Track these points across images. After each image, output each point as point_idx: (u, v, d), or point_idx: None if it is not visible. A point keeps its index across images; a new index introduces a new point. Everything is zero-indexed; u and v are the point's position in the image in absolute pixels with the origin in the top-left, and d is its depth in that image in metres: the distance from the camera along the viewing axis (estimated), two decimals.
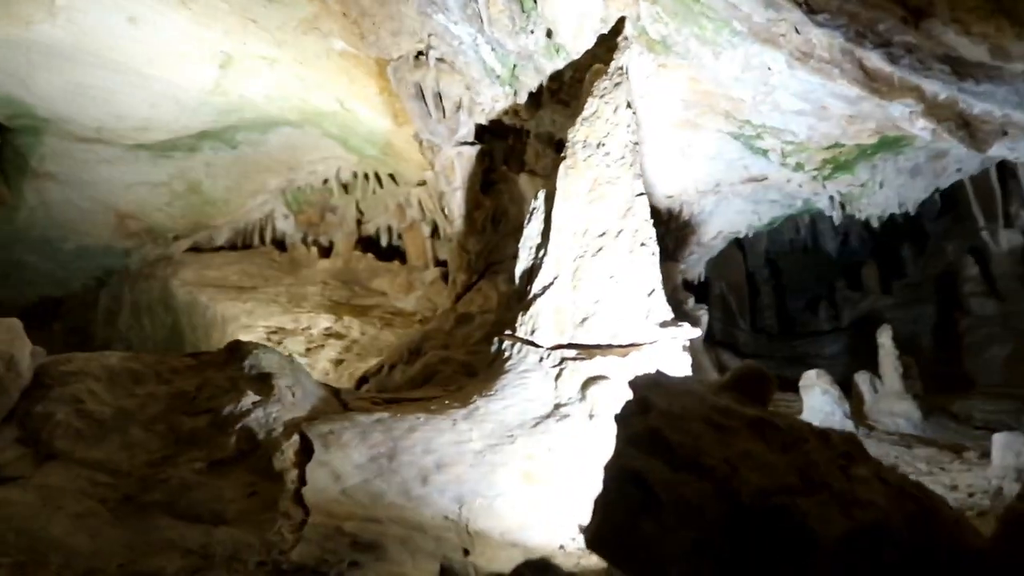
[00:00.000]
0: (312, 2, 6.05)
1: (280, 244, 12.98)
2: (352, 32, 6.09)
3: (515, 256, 5.50)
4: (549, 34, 4.84)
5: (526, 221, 4.32)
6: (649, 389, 1.68)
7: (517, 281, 4.24)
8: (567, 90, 5.16)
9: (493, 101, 5.56)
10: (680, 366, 3.52)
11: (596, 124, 4.21)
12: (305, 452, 2.99)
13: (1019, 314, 7.85)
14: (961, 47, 3.31)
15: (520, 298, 4.13)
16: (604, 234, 3.85)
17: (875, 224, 6.24)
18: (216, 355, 3.99)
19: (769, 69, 4.33)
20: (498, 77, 5.30)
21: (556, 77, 5.07)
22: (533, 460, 3.05)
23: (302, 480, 2.76)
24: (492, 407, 3.39)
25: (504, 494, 2.82)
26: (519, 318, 3.88)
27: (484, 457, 3.02)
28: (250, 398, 3.18)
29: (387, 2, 5.33)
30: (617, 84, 4.24)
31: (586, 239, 3.90)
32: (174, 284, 9.84)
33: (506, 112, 5.66)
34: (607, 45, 4.79)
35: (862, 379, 5.89)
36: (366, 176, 11.92)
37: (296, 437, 3.01)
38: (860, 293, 10.45)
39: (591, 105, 4.29)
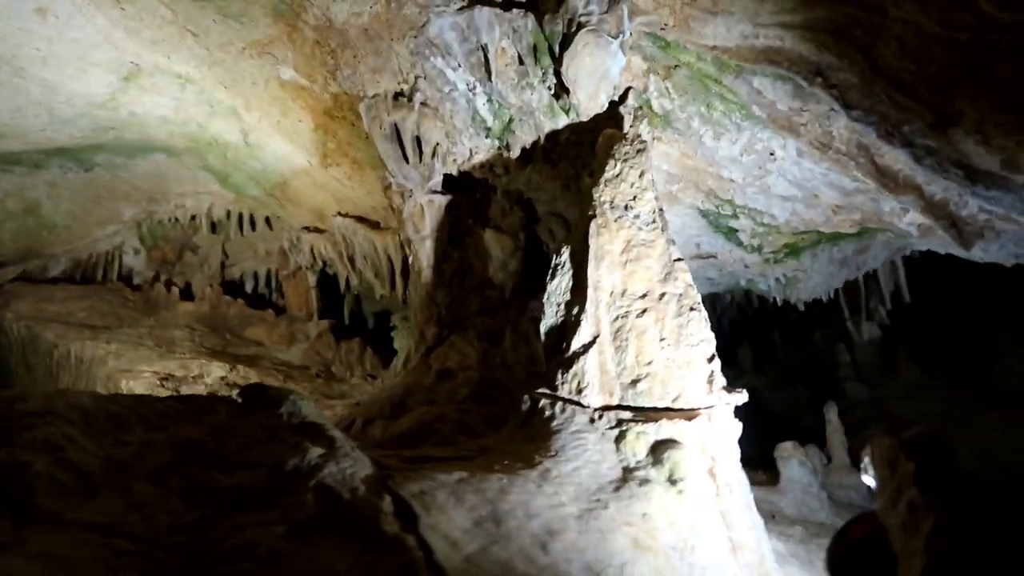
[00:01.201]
0: (276, 24, 5.65)
1: (126, 281, 11.68)
2: (314, 63, 5.75)
3: (480, 312, 5.35)
4: (556, 93, 4.85)
5: (549, 277, 4.21)
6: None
7: (543, 337, 4.08)
8: (559, 151, 5.18)
9: (470, 152, 5.44)
10: (735, 432, 3.54)
11: (621, 186, 4.24)
12: (398, 515, 2.62)
13: (886, 399, 8.81)
14: (975, 156, 3.75)
15: (550, 356, 3.98)
16: (645, 296, 3.84)
17: (801, 307, 6.77)
18: (219, 400, 3.43)
19: (772, 155, 4.62)
20: (488, 129, 5.21)
21: (552, 136, 5.07)
22: (633, 526, 2.89)
23: (422, 547, 2.40)
24: (563, 469, 3.20)
25: (628, 563, 2.64)
26: (559, 377, 3.73)
27: (587, 523, 2.82)
28: (315, 451, 2.75)
29: (377, 38, 5.10)
30: (639, 151, 4.32)
31: (625, 300, 3.86)
32: (6, 317, 8.42)
33: (481, 165, 5.55)
34: (611, 112, 4.89)
35: (812, 452, 6.25)
36: (240, 217, 11.13)
37: (389, 498, 2.63)
38: (736, 371, 11.22)
39: (613, 167, 4.33)
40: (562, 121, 4.96)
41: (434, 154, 5.26)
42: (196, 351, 8.29)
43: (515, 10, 4.68)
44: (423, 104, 5.21)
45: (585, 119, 4.82)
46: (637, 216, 4.12)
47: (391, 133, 5.33)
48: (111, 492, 2.90)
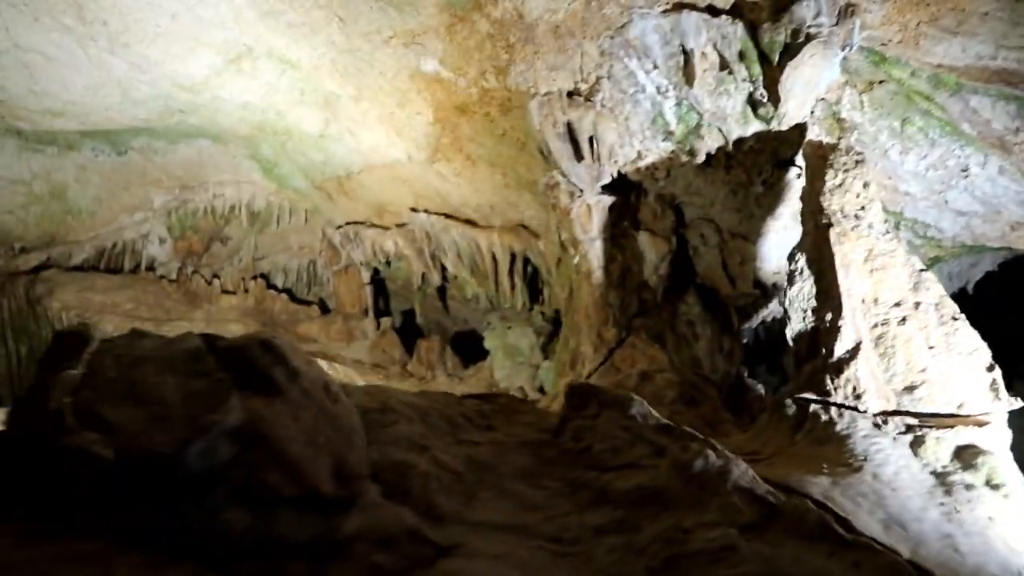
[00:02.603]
0: (440, 15, 5.55)
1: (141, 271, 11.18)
2: (475, 56, 5.68)
3: (638, 315, 5.39)
4: (752, 101, 4.94)
5: (787, 283, 4.30)
6: None
7: (791, 343, 4.15)
8: (739, 157, 5.27)
9: (638, 154, 5.47)
10: (1009, 438, 3.70)
11: (846, 196, 4.36)
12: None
13: None
14: None
15: (803, 361, 4.06)
16: (899, 304, 3.96)
17: None
18: (518, 400, 3.38)
19: (964, 171, 4.83)
20: (669, 133, 5.26)
21: (736, 143, 5.15)
22: (991, 529, 3.00)
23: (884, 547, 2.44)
24: (885, 472, 3.29)
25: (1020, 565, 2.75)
26: (828, 382, 3.81)
27: (962, 525, 2.91)
28: (711, 454, 2.74)
29: (567, 35, 5.08)
30: (858, 162, 4.45)
31: (879, 308, 3.98)
32: (52, 307, 7.97)
33: (641, 168, 5.59)
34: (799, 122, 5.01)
35: None
36: (279, 209, 10.84)
37: (807, 500, 2.66)
38: (778, 377, 11.51)
39: (834, 177, 4.44)
40: (751, 128, 5.05)
41: (606, 155, 5.25)
42: None
43: (723, 16, 4.73)
44: (601, 104, 5.20)
45: (783, 128, 4.92)
46: (871, 226, 4.24)
47: (564, 132, 5.30)
48: (488, 492, 2.83)
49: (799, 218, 5.44)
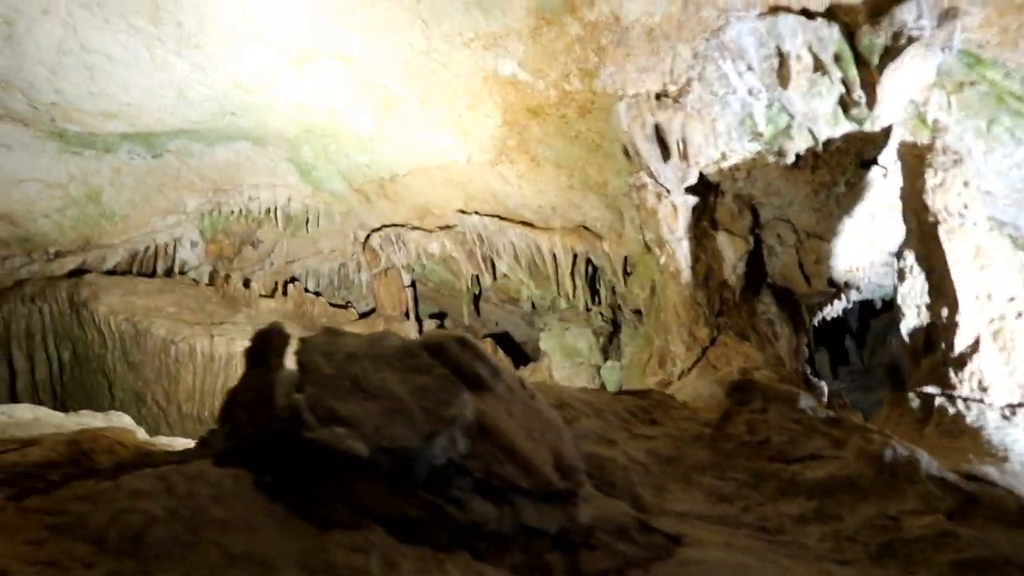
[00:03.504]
0: (528, 18, 5.64)
1: (171, 275, 11.15)
2: (561, 59, 5.77)
3: (720, 314, 5.52)
4: (844, 102, 5.08)
5: (896, 279, 4.44)
6: None
7: (907, 338, 4.29)
8: (824, 157, 5.40)
9: (722, 155, 5.60)
10: None
11: (949, 195, 4.51)
12: None
13: None
14: None
15: (920, 355, 4.19)
16: (1013, 300, 4.10)
17: None
18: (660, 394, 3.48)
19: None
20: (757, 134, 5.39)
21: (826, 144, 5.29)
22: None
23: None
24: None
25: None
26: (951, 376, 3.94)
27: None
28: (896, 443, 2.86)
29: (662, 38, 5.20)
30: (956, 162, 4.60)
31: (994, 304, 4.12)
32: (99, 311, 7.96)
33: (722, 168, 5.72)
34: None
35: None
36: (315, 212, 10.88)
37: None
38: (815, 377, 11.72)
39: (934, 176, 4.60)
40: (841, 129, 5.19)
41: (692, 156, 5.37)
42: None
43: (819, 19, 4.86)
44: (691, 106, 5.31)
45: (876, 130, 5.06)
46: (975, 223, 4.38)
47: (652, 133, 5.42)
48: (677, 484, 2.92)
49: (874, 217, 5.60)
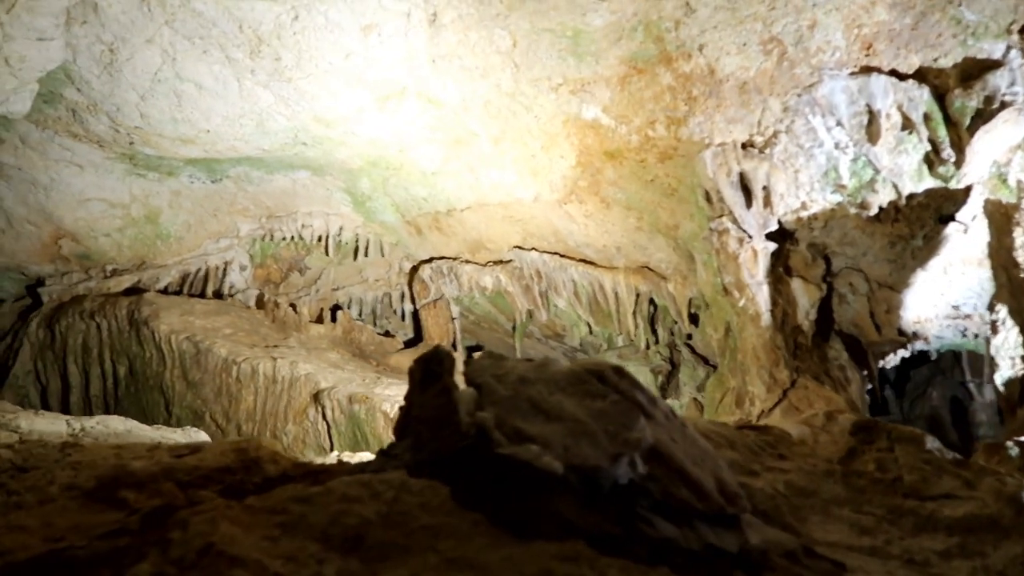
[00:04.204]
0: (620, 66, 5.91)
1: (220, 297, 11.37)
2: (648, 107, 6.02)
3: (795, 358, 5.68)
4: (929, 160, 5.31)
5: (990, 331, 4.60)
6: None
7: (1002, 388, 4.45)
8: (904, 211, 5.62)
9: (801, 204, 5.82)
10: None
11: None
12: None
13: None
14: None
15: (1016, 405, 4.35)
16: None
17: None
18: (776, 430, 3.63)
19: None
20: (840, 186, 5.61)
21: (909, 199, 5.51)
22: None
23: None
24: None
25: None
26: None
27: None
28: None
29: (754, 91, 5.45)
30: None
31: None
32: (159, 329, 8.14)
33: (800, 217, 5.93)
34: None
35: None
36: (366, 241, 11.15)
37: None
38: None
39: (1022, 234, 4.78)
40: (924, 185, 5.41)
41: (774, 204, 5.60)
42: (375, 377, 8.20)
43: (910, 81, 5.12)
44: (776, 157, 5.55)
45: (959, 187, 5.28)
46: None
47: (737, 181, 5.65)
48: (817, 516, 3.07)
49: (946, 270, 5.80)
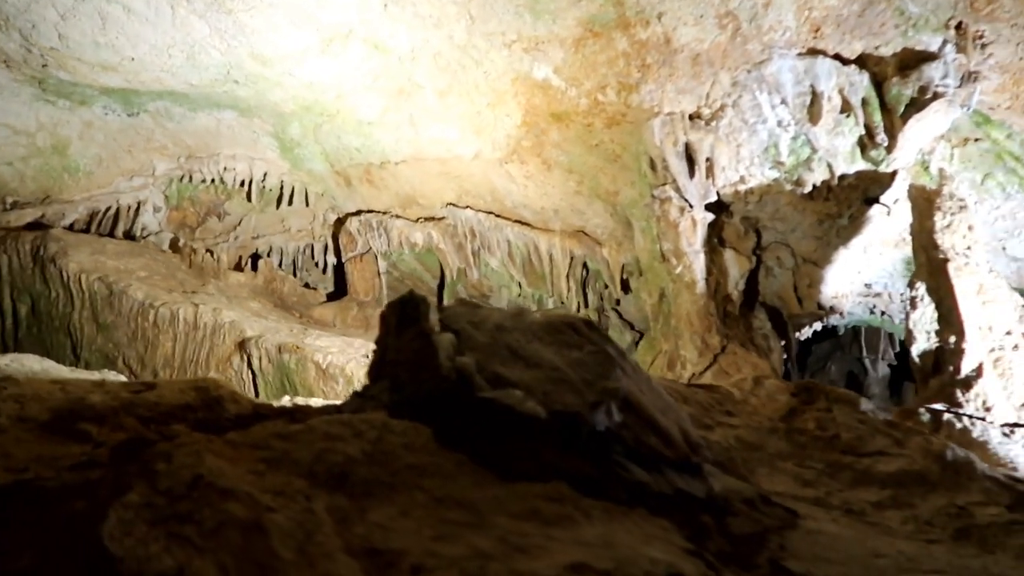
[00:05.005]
0: (576, 28, 5.93)
1: (133, 239, 10.88)
2: (600, 71, 6.09)
3: (725, 324, 5.97)
4: (862, 143, 5.62)
5: (909, 306, 4.95)
6: None
7: (917, 360, 4.81)
8: (834, 190, 5.93)
9: (740, 178, 6.05)
10: None
11: (955, 236, 5.09)
12: None
13: None
14: None
15: (928, 376, 4.71)
16: (1010, 333, 4.69)
17: None
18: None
19: None
20: (779, 163, 5.85)
21: (840, 179, 5.82)
22: None
23: None
24: None
25: None
26: (958, 395, 4.47)
27: None
28: (954, 445, 3.30)
29: (706, 64, 5.60)
30: (962, 208, 5.19)
31: (994, 335, 4.69)
32: (69, 267, 7.76)
33: (737, 191, 6.18)
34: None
35: None
36: (291, 189, 10.85)
37: None
38: None
39: (943, 218, 5.16)
40: (856, 167, 5.72)
41: (716, 176, 5.80)
42: (302, 328, 8.05)
43: (852, 66, 5.38)
44: (721, 129, 5.74)
45: (886, 170, 5.61)
46: (978, 264, 4.96)
47: (683, 151, 5.81)
48: (764, 468, 3.26)
49: (866, 249, 6.16)
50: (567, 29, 5.93)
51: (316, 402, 4.59)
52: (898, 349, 10.89)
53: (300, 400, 5.04)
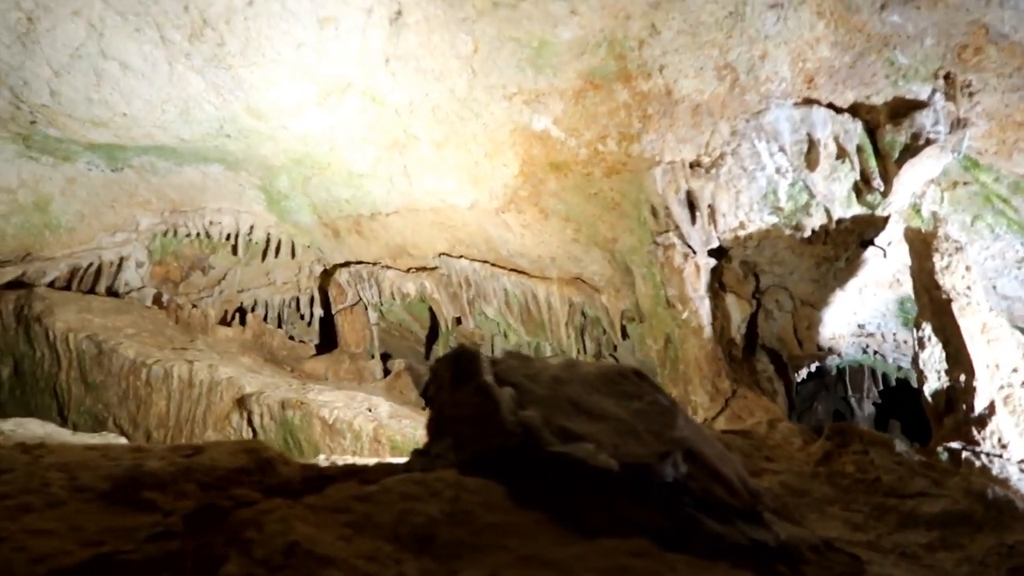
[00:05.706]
0: (576, 80, 6.06)
1: (116, 295, 10.69)
2: (602, 122, 6.21)
3: (730, 366, 6.03)
4: (858, 188, 5.80)
5: (917, 347, 5.06)
6: None
7: (930, 399, 4.89)
8: (832, 234, 6.09)
9: (740, 224, 6.18)
10: None
11: (955, 277, 5.24)
12: None
13: None
14: None
15: (942, 414, 4.80)
16: (1016, 370, 4.81)
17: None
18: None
19: (1020, 263, 5.88)
20: (778, 208, 6.00)
21: (838, 223, 5.98)
22: None
23: None
24: None
25: None
26: (974, 433, 4.56)
27: None
28: (994, 484, 3.36)
29: (706, 114, 5.75)
30: (958, 249, 5.36)
31: (1001, 373, 4.81)
32: (55, 326, 7.58)
33: (737, 236, 6.30)
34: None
35: None
36: (277, 242, 10.80)
37: None
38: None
39: (941, 259, 5.32)
40: (852, 211, 5.89)
41: (717, 222, 5.92)
42: (300, 383, 7.93)
43: (845, 114, 5.57)
44: (721, 177, 5.87)
45: (881, 214, 5.78)
46: (979, 303, 5.10)
47: (686, 198, 5.93)
48: (813, 514, 3.27)
49: (861, 291, 6.30)
50: (568, 81, 6.05)
51: (343, 459, 4.49)
52: (882, 387, 11.05)
53: (322, 458, 4.93)
